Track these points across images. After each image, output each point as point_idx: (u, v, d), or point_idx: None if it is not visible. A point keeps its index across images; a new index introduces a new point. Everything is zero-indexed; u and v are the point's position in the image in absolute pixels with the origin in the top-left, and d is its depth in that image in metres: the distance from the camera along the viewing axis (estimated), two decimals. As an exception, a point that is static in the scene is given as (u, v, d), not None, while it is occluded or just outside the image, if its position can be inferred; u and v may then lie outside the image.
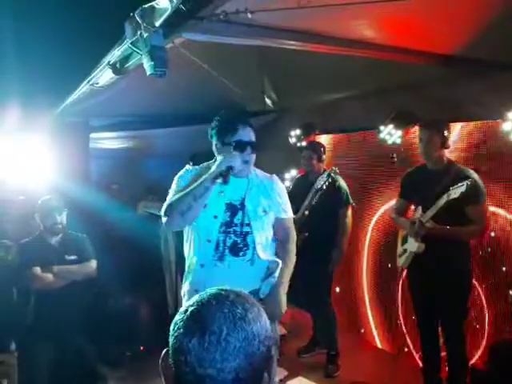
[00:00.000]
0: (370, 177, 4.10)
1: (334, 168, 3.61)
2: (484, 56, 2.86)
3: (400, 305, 3.85)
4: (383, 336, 4.09)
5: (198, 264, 2.21)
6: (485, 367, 2.89)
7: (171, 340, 0.87)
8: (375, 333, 4.18)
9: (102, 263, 3.26)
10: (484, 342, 3.17)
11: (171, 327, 0.88)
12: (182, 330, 0.86)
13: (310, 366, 3.69)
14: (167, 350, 0.89)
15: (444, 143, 2.87)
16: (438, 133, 2.86)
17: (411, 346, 3.68)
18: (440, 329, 2.97)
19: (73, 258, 3.10)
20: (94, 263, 3.19)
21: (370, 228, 4.17)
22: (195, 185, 2.08)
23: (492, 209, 3.09)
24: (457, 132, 3.27)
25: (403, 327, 3.80)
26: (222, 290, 0.93)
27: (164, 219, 2.14)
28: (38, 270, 2.95)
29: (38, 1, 3.34)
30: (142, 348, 3.61)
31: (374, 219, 4.13)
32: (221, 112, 2.28)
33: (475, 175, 2.78)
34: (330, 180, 3.50)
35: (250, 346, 0.85)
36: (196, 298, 0.91)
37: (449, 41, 2.65)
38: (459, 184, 2.62)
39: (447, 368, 2.96)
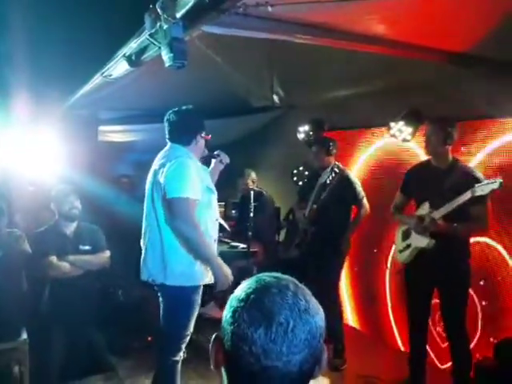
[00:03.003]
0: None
1: (336, 163, 3.58)
2: (497, 55, 2.88)
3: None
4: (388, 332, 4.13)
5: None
6: (490, 364, 2.90)
7: (231, 326, 0.84)
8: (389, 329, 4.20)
9: (111, 254, 3.27)
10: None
11: (228, 312, 0.86)
12: (245, 318, 0.83)
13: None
14: (218, 335, 0.87)
15: (446, 139, 2.85)
16: (440, 128, 2.87)
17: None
18: (443, 324, 2.97)
19: (87, 248, 3.11)
20: (107, 253, 3.21)
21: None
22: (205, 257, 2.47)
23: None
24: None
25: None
26: (275, 277, 0.90)
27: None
28: (54, 258, 2.97)
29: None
30: (149, 338, 3.63)
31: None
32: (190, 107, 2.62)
33: (480, 173, 2.78)
34: (333, 175, 3.44)
35: (313, 339, 0.85)
36: (249, 284, 0.88)
37: (462, 38, 2.66)
38: (489, 181, 2.59)
39: (452, 361, 2.98)
